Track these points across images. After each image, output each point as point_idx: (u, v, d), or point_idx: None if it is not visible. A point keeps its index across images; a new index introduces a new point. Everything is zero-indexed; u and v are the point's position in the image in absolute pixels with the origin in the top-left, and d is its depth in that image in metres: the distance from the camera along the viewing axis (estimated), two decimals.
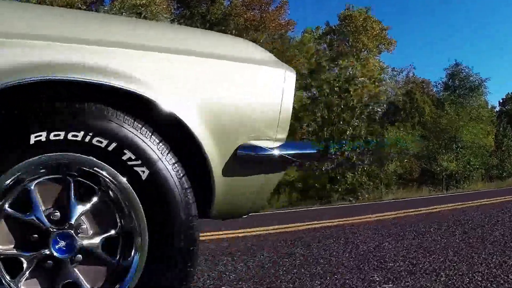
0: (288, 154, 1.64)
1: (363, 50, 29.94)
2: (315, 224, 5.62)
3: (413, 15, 57.09)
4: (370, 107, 22.99)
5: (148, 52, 1.45)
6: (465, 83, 31.67)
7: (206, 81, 1.51)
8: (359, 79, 22.99)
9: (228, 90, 1.54)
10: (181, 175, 1.49)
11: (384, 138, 24.52)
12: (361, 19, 29.49)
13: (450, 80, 32.22)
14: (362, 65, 27.64)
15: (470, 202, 7.78)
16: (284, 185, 25.11)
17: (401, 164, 25.51)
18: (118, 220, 1.49)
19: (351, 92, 21.21)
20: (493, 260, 2.74)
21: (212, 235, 4.84)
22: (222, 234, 4.95)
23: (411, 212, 6.54)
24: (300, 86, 25.66)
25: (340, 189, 21.74)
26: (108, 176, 1.44)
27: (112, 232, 1.48)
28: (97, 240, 1.45)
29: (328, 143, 22.32)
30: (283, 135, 1.65)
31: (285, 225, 5.75)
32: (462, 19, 57.99)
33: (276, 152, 1.60)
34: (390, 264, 2.85)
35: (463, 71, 32.10)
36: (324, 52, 27.79)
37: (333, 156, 21.95)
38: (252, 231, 5.16)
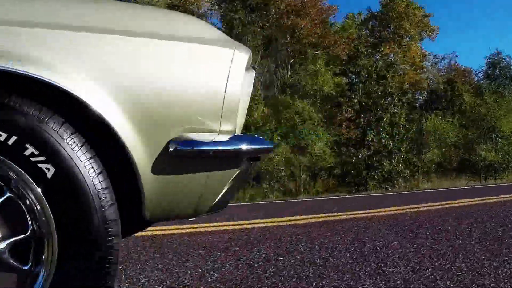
0: (234, 150, 1.40)
1: (405, 36, 29.12)
2: (331, 216, 5.35)
3: (456, 2, 55.05)
4: (409, 94, 22.35)
5: (54, 30, 1.23)
6: (506, 72, 30.50)
7: (127, 63, 1.28)
8: (401, 66, 22.39)
9: (155, 73, 1.30)
10: (97, 173, 1.27)
11: (422, 125, 23.89)
12: (403, 5, 28.65)
13: (491, 69, 31.07)
14: (404, 51, 26.93)
15: (502, 196, 7.29)
16: (321, 171, 24.87)
17: (439, 153, 24.85)
18: (30, 223, 1.30)
19: (389, 79, 20.62)
20: (505, 270, 2.41)
21: (217, 226, 4.66)
22: (229, 225, 4.76)
23: (437, 205, 6.16)
24: (340, 72, 25.28)
25: (376, 177, 21.30)
26: (12, 173, 1.24)
27: (21, 236, 1.28)
28: (2, 245, 1.26)
29: (366, 129, 21.91)
30: (230, 126, 1.40)
31: (300, 216, 5.50)
32: (505, 7, 55.52)
33: (216, 147, 1.36)
34: (390, 269, 2.57)
35: (504, 60, 31.00)
36: (366, 38, 27.23)
37: (370, 143, 21.53)
38: (261, 222, 4.95)
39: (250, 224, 4.88)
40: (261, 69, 28.42)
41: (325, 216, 5.36)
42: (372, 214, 5.35)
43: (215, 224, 4.93)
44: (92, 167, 1.27)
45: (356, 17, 30.71)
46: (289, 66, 28.42)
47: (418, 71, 29.42)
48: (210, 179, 1.42)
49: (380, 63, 21.43)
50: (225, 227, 4.64)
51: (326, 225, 4.54)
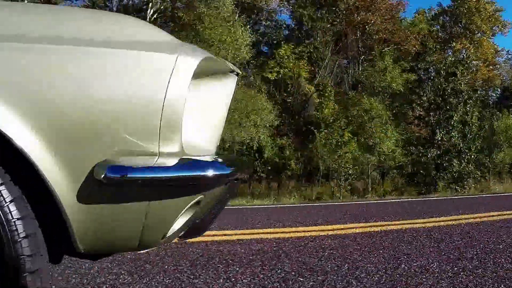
0: (176, 177, 1.17)
1: (476, 32, 27.80)
2: (378, 226, 4.98)
3: None
4: (479, 92, 21.09)
5: None
6: None
7: (38, 75, 1.09)
8: (473, 62, 21.21)
9: (71, 86, 1.10)
10: (7, 201, 1.09)
11: (494, 124, 22.49)
12: (473, 0, 27.37)
13: None
14: (476, 47, 25.64)
15: None
16: (390, 170, 24.03)
17: (511, 153, 23.35)
18: None
19: (458, 76, 19.54)
20: None
21: (252, 234, 4.45)
22: (266, 233, 4.54)
23: (497, 215, 5.58)
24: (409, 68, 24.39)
25: (446, 177, 20.29)
26: None
27: None
28: None
29: (435, 128, 20.98)
30: (172, 147, 1.18)
31: (345, 225, 5.18)
32: None
33: (150, 175, 1.14)
34: None
35: None
36: (437, 33, 26.22)
37: (440, 142, 20.56)
38: (301, 231, 4.68)
39: (289, 232, 4.63)
40: (332, 65, 28.00)
41: (372, 226, 5.00)
42: (423, 224, 4.93)
43: (252, 231, 4.74)
44: (2, 195, 1.09)
45: (426, 12, 29.70)
46: (360, 62, 27.84)
47: (490, 67, 28.03)
48: (153, 209, 1.21)
49: (449, 59, 20.41)
50: (260, 235, 4.42)
51: (368, 237, 4.21)
